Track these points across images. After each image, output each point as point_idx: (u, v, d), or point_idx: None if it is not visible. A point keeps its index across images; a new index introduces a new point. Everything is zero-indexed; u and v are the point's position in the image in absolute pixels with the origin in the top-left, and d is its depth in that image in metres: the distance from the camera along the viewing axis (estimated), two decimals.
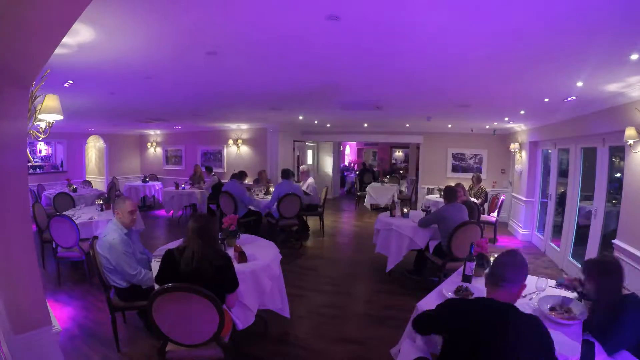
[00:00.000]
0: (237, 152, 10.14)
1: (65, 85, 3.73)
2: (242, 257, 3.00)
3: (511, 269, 1.63)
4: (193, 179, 9.48)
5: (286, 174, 6.57)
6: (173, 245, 3.03)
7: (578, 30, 2.06)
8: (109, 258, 2.90)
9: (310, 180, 7.49)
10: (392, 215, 5.19)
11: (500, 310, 1.58)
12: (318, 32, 2.29)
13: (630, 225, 3.66)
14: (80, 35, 2.30)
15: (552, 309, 2.26)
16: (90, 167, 12.25)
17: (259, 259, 3.11)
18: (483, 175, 8.56)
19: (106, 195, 7.67)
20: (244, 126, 9.82)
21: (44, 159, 10.90)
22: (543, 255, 6.09)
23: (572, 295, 2.40)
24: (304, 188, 7.29)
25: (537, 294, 2.46)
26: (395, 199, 9.35)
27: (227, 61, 3.02)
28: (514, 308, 1.59)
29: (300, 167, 9.21)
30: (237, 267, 2.90)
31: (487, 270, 1.82)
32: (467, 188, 7.11)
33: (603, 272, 2.02)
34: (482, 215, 6.67)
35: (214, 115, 7.62)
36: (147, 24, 2.18)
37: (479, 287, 2.41)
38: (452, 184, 5.75)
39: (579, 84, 3.31)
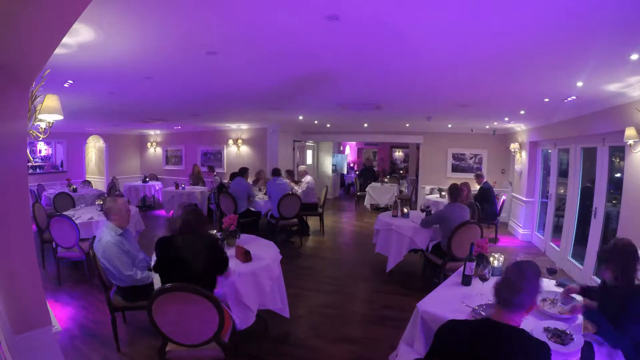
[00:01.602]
0: (237, 152, 10.14)
1: (65, 85, 3.73)
2: (247, 257, 3.00)
3: (523, 293, 1.42)
4: (192, 178, 9.49)
5: (275, 172, 6.80)
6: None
7: (578, 30, 2.06)
8: (104, 260, 2.91)
9: (308, 178, 7.57)
10: (393, 215, 5.19)
11: (506, 334, 1.42)
12: (318, 32, 2.29)
13: (630, 225, 3.65)
14: (80, 35, 2.30)
15: (546, 302, 2.31)
16: (90, 167, 12.25)
17: (259, 259, 3.11)
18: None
19: (106, 195, 7.68)
20: (244, 126, 9.82)
21: (44, 159, 10.89)
22: (543, 255, 6.09)
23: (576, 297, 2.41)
24: (301, 187, 7.42)
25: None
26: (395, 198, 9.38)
27: (227, 61, 3.02)
28: (522, 332, 1.43)
29: (299, 167, 9.27)
30: (239, 267, 2.91)
31: (494, 284, 1.53)
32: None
33: (621, 255, 1.96)
34: None
35: (214, 115, 7.62)
36: (147, 24, 2.18)
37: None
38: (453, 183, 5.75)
39: (579, 84, 3.31)
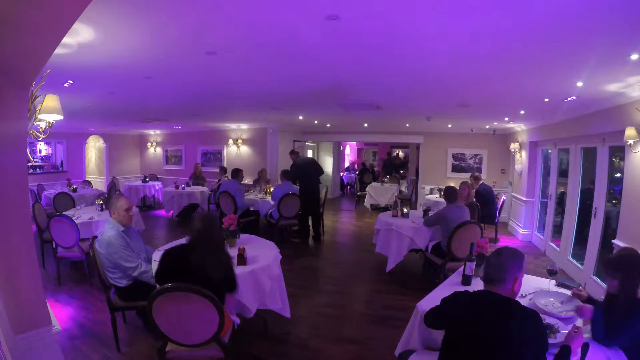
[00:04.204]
0: (237, 152, 10.14)
1: (65, 85, 3.73)
2: (241, 260, 2.97)
3: (501, 269, 1.66)
4: (193, 177, 9.44)
5: (287, 175, 6.57)
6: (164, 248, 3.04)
7: (578, 30, 2.06)
8: (107, 256, 2.91)
9: None
10: (393, 215, 5.19)
11: (501, 302, 1.62)
12: (318, 32, 2.29)
13: (630, 225, 3.65)
14: (80, 35, 2.30)
15: (548, 303, 2.33)
16: (90, 167, 12.25)
17: (259, 259, 3.11)
18: (483, 175, 8.56)
19: (106, 195, 7.68)
20: (244, 126, 9.82)
21: (44, 159, 10.89)
22: (543, 255, 6.09)
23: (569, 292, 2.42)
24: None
25: (536, 293, 2.47)
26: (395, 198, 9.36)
27: (227, 61, 3.02)
28: (515, 301, 1.63)
29: None
30: (237, 268, 2.91)
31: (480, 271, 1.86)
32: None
33: (626, 265, 1.95)
34: None
35: (214, 115, 7.62)
36: (147, 24, 2.18)
37: None
38: (453, 184, 5.75)
39: (579, 84, 3.31)
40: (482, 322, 1.59)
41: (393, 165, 13.36)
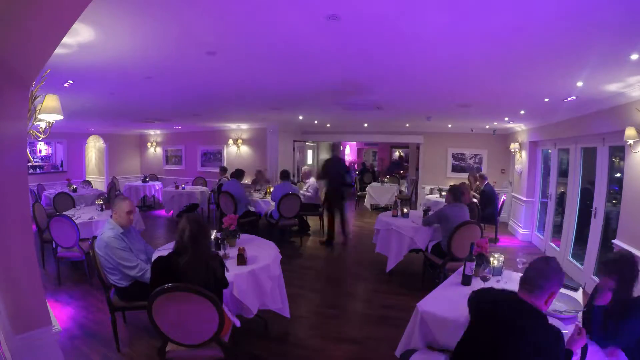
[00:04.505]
0: (237, 152, 10.14)
1: (65, 85, 3.73)
2: (241, 260, 2.97)
3: (546, 278, 1.63)
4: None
5: (285, 175, 6.60)
6: (164, 248, 3.05)
7: (578, 30, 2.06)
8: (106, 257, 2.92)
9: (312, 180, 7.50)
10: (393, 215, 5.19)
11: (530, 314, 1.59)
12: (318, 32, 2.29)
13: (630, 225, 3.66)
14: (80, 35, 2.30)
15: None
16: (90, 167, 12.25)
17: (259, 259, 3.11)
18: None
19: (106, 195, 7.67)
20: (244, 126, 9.82)
21: (44, 159, 10.88)
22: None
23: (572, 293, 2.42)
24: (305, 188, 7.34)
25: None
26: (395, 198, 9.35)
27: (226, 61, 3.02)
28: (543, 316, 1.60)
29: (302, 168, 9.20)
30: (237, 268, 2.91)
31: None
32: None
33: (621, 267, 1.95)
34: None
35: (214, 115, 7.62)
36: (147, 24, 2.18)
37: None
38: (452, 184, 5.73)
39: (579, 84, 3.31)
40: (507, 329, 1.57)
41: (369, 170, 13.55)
